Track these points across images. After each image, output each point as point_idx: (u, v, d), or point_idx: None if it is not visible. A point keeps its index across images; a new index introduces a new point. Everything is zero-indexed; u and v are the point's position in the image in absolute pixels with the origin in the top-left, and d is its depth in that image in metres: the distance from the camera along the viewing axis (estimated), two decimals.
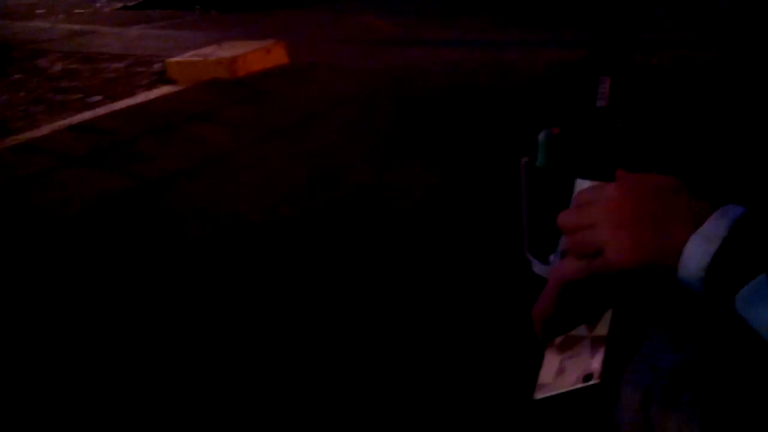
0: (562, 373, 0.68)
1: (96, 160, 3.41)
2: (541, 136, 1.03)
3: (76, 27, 7.72)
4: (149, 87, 4.76)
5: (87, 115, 4.17)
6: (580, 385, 0.65)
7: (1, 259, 2.44)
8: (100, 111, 4.24)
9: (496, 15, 6.70)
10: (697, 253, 0.53)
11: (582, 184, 0.79)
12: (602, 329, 0.69)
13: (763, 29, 4.84)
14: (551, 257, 0.86)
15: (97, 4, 9.01)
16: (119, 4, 9.05)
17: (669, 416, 0.59)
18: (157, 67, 5.24)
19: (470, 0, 7.77)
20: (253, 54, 4.92)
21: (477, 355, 1.70)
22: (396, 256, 2.25)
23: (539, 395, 0.69)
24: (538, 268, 1.02)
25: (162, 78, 4.92)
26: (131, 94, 4.60)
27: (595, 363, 0.66)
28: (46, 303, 2.13)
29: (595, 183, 0.77)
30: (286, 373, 1.71)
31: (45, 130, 3.93)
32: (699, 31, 5.15)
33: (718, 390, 0.57)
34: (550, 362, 0.71)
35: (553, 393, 0.68)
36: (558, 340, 0.72)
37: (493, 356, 1.68)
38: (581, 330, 0.70)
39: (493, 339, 1.75)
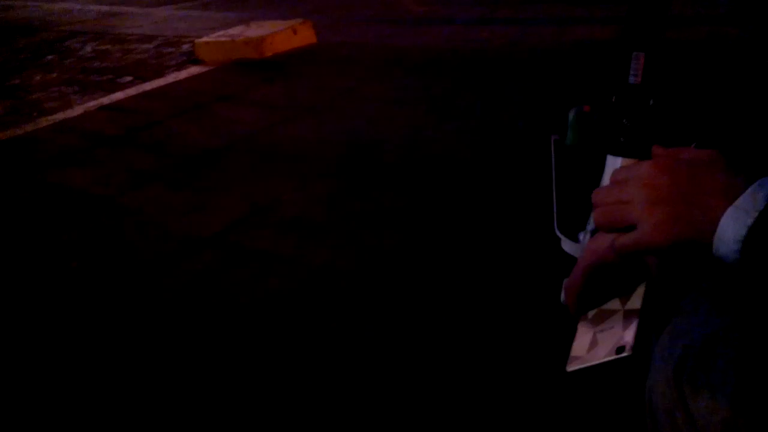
0: (594, 346, 0.70)
1: (128, 139, 3.47)
2: (572, 114, 1.03)
3: (105, 8, 7.78)
4: (178, 67, 4.80)
5: (118, 95, 4.23)
6: (612, 357, 0.66)
7: (34, 236, 2.51)
8: (131, 91, 4.30)
9: None
10: (733, 226, 0.54)
11: (614, 161, 0.79)
12: (635, 302, 0.70)
13: None
14: (580, 235, 0.86)
15: None
16: None
17: (701, 388, 0.60)
18: (185, 47, 5.28)
19: None
20: (280, 34, 4.92)
21: (510, 330, 1.71)
22: (422, 235, 2.27)
23: (572, 367, 0.70)
24: (567, 245, 1.03)
25: (191, 58, 4.96)
26: (161, 74, 4.65)
27: (628, 335, 0.67)
28: (71, 283, 2.19)
29: (627, 160, 0.78)
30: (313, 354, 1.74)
31: (78, 110, 4.00)
32: (729, 7, 5.04)
33: (750, 360, 0.58)
34: (583, 335, 0.72)
35: (586, 365, 0.69)
36: (591, 313, 0.73)
37: (526, 330, 1.70)
38: (615, 303, 0.71)
39: (525, 314, 1.76)
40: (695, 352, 0.60)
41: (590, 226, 0.79)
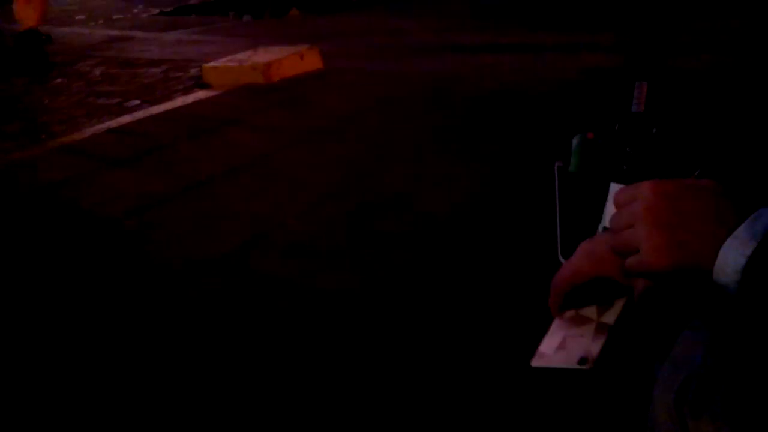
0: (562, 348, 0.71)
1: (136, 162, 3.49)
2: (575, 141, 1.04)
3: (115, 32, 7.88)
4: (186, 91, 4.85)
5: (126, 118, 4.27)
6: (573, 366, 0.67)
7: (43, 256, 2.52)
8: (139, 115, 4.34)
9: (529, 19, 6.68)
10: (732, 256, 0.55)
11: (617, 189, 0.80)
12: (610, 317, 0.71)
13: None
14: None
15: (135, 10, 9.19)
16: (156, 11, 9.22)
17: (702, 417, 0.60)
18: (193, 72, 5.33)
19: (502, 4, 7.75)
20: (287, 59, 4.98)
21: (509, 352, 1.71)
22: (427, 259, 2.27)
23: (536, 363, 0.71)
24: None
25: (198, 83, 5.01)
26: (169, 98, 4.69)
27: (594, 348, 0.68)
28: (80, 303, 2.20)
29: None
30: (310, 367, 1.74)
31: (86, 133, 4.04)
32: (731, 36, 5.08)
33: (750, 390, 0.58)
34: (555, 334, 0.73)
35: (549, 366, 0.70)
36: (568, 313, 0.74)
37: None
38: (591, 311, 0.72)
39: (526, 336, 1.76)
40: (696, 382, 0.60)
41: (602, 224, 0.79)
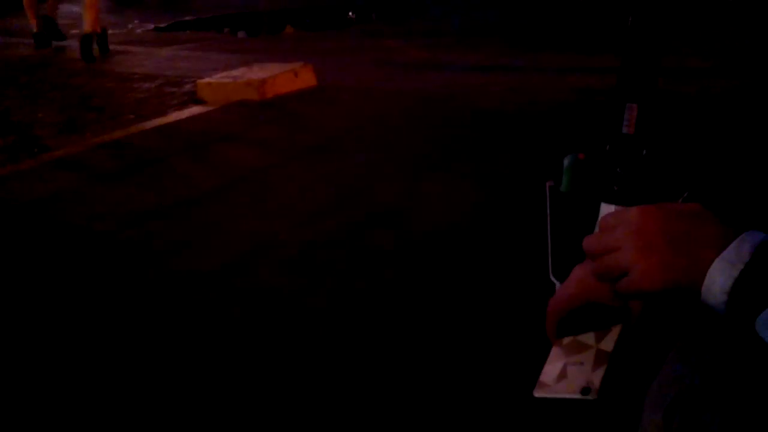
0: (563, 377, 0.71)
1: (128, 177, 3.49)
2: (567, 161, 1.05)
3: (109, 47, 7.89)
4: (180, 107, 4.86)
5: (120, 133, 4.27)
6: (577, 396, 0.68)
7: (35, 271, 2.51)
8: (133, 129, 4.34)
9: (521, 40, 6.75)
10: (720, 277, 0.56)
11: (607, 209, 0.82)
12: (608, 344, 0.71)
13: None
14: None
15: (130, 26, 9.20)
16: (151, 26, 9.24)
17: None
18: (187, 87, 5.34)
19: (495, 25, 7.83)
20: (282, 76, 5.00)
21: (486, 354, 1.72)
22: (420, 278, 2.28)
23: (538, 393, 0.71)
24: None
25: (193, 98, 5.02)
26: (162, 113, 4.70)
27: (596, 378, 0.68)
28: (67, 316, 2.19)
29: (621, 208, 0.80)
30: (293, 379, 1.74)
31: (79, 146, 4.03)
32: (718, 61, 5.15)
33: (738, 410, 0.59)
34: (555, 362, 0.73)
35: (552, 396, 0.70)
36: (566, 340, 0.75)
37: (502, 351, 1.70)
38: (590, 338, 0.73)
39: (507, 342, 1.76)
40: (684, 402, 0.61)
41: None
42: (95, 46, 6.89)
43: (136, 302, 2.25)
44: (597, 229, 0.79)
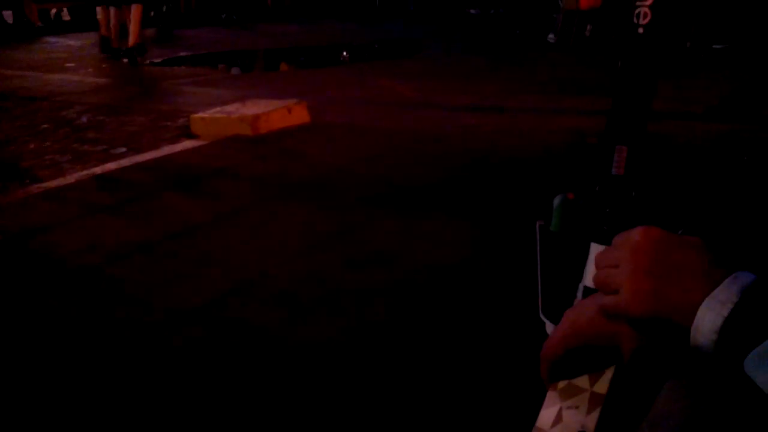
0: (558, 422, 0.71)
1: (118, 210, 3.49)
2: (557, 201, 1.06)
3: (103, 80, 7.94)
4: (173, 141, 4.87)
5: (111, 165, 4.27)
6: None
7: (18, 303, 2.49)
8: (124, 162, 4.34)
9: (513, 81, 6.84)
10: (709, 316, 0.56)
11: (596, 249, 0.82)
12: (602, 386, 0.71)
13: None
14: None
15: (125, 60, 9.28)
16: (146, 61, 9.32)
17: None
18: (181, 121, 5.37)
19: (487, 67, 7.95)
20: (275, 112, 5.04)
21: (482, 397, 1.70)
22: (410, 316, 2.27)
23: None
24: (552, 330, 1.04)
25: (186, 132, 5.04)
26: (155, 147, 4.71)
27: (590, 421, 0.68)
28: (55, 354, 2.16)
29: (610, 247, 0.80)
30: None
31: (70, 179, 4.03)
32: (708, 105, 5.24)
33: None
34: (550, 406, 0.73)
35: None
36: (561, 384, 0.75)
37: (498, 396, 1.68)
38: (584, 381, 0.73)
39: (501, 386, 1.75)
40: None
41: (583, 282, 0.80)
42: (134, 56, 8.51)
43: (119, 336, 2.22)
44: (589, 270, 0.80)
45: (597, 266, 0.69)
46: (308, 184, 3.76)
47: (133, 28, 8.47)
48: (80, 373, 2.01)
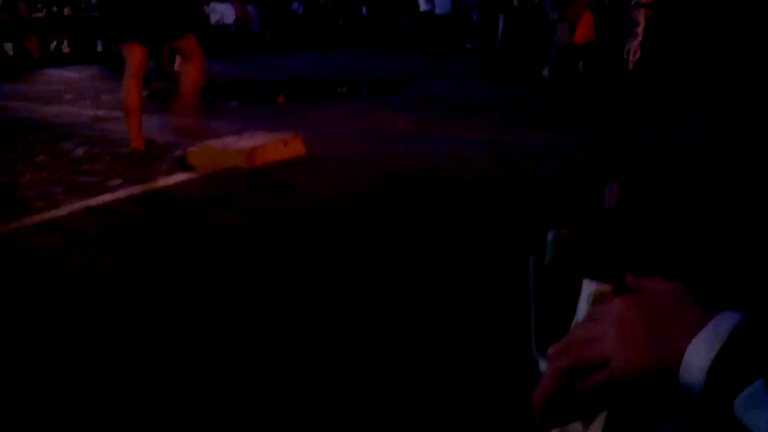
0: None
1: (112, 242, 3.47)
2: (550, 236, 1.06)
3: (101, 113, 7.98)
4: (169, 173, 4.88)
5: (106, 197, 4.27)
6: None
7: (14, 333, 2.46)
8: (120, 194, 4.34)
9: (506, 116, 6.90)
10: (697, 358, 0.56)
11: (589, 285, 0.82)
12: (596, 431, 0.70)
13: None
14: None
15: (123, 92, 9.34)
16: (145, 93, 9.38)
17: None
18: (177, 153, 5.38)
19: (481, 102, 8.02)
20: (271, 145, 5.06)
21: None
22: (401, 351, 2.25)
23: None
24: (545, 366, 1.03)
25: (182, 164, 5.05)
26: (151, 178, 4.72)
27: None
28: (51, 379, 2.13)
29: (602, 284, 0.80)
30: None
31: (64, 210, 4.02)
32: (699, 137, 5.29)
33: None
34: None
35: None
36: (555, 431, 0.73)
37: None
38: (577, 427, 0.72)
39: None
40: None
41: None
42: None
43: (110, 372, 2.20)
44: (581, 307, 0.79)
45: (574, 343, 0.69)
46: (301, 216, 3.76)
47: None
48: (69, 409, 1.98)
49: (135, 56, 5.43)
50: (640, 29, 0.79)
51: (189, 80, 5.62)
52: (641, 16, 0.78)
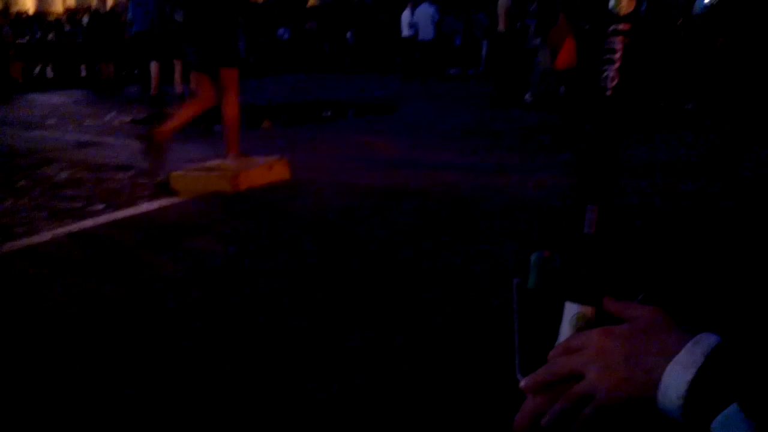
0: None
1: (94, 267, 3.44)
2: (533, 258, 1.07)
3: (84, 138, 7.94)
4: (151, 198, 4.86)
5: (88, 223, 4.23)
6: None
7: None
8: (102, 219, 4.31)
9: (493, 140, 6.96)
10: (674, 382, 0.56)
11: (571, 308, 0.82)
12: None
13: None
14: None
15: (107, 117, 9.31)
16: (128, 118, 9.36)
17: None
18: (161, 178, 5.36)
19: (465, 125, 8.08)
20: (256, 169, 5.05)
21: None
22: (387, 379, 2.24)
23: None
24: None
25: (165, 189, 5.02)
26: (133, 203, 4.69)
27: None
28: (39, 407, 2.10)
29: (584, 307, 0.80)
30: None
31: (46, 236, 3.98)
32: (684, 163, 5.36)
33: None
34: None
35: None
36: None
37: None
38: None
39: None
40: None
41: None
42: None
43: (94, 393, 2.17)
44: (563, 331, 0.79)
45: (555, 376, 0.69)
46: (285, 241, 3.74)
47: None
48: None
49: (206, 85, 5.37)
50: (617, 56, 0.80)
51: (231, 112, 5.42)
52: (618, 43, 0.79)
